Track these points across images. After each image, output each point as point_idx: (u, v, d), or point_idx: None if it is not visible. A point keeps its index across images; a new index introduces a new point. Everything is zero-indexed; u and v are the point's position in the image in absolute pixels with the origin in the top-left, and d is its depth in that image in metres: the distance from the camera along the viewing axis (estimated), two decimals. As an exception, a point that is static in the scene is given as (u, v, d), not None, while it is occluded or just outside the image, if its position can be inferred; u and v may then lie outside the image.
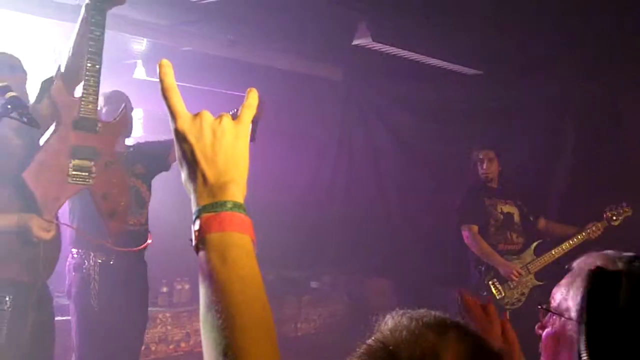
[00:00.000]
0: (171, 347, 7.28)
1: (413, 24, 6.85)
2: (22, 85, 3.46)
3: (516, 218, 6.25)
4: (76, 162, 3.36)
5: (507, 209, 6.26)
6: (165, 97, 1.20)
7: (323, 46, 8.22)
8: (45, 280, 3.55)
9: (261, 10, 7.29)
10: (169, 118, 1.20)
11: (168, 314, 7.30)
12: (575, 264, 1.57)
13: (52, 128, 3.33)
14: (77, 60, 3.47)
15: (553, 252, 5.95)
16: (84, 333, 4.47)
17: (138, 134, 7.72)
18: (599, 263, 1.43)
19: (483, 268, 6.02)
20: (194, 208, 1.17)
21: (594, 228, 6.00)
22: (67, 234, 4.50)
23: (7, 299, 3.23)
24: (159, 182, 5.05)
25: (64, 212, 4.27)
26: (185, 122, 1.18)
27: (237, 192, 1.16)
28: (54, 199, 3.36)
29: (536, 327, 1.65)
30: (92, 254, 4.36)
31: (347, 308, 8.94)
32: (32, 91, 3.62)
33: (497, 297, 5.87)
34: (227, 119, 1.20)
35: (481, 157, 6.32)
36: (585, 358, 1.30)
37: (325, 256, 8.82)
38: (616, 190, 6.41)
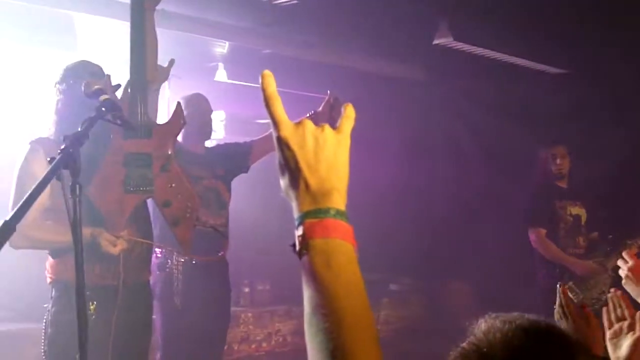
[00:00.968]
0: (253, 346, 7.36)
1: (495, 23, 6.73)
2: None
3: (583, 220, 6.08)
4: (132, 170, 3.28)
5: (575, 210, 6.09)
6: (268, 105, 1.22)
7: (404, 47, 8.16)
8: (140, 279, 3.54)
9: (341, 11, 7.29)
10: (272, 126, 1.22)
11: (250, 314, 7.38)
12: None
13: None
14: (152, 60, 3.50)
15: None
16: (168, 331, 4.56)
17: (220, 136, 7.84)
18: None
19: (557, 270, 5.86)
20: (296, 214, 1.20)
21: None
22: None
23: (92, 305, 3.25)
24: (241, 183, 5.09)
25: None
26: (288, 130, 1.20)
27: (339, 199, 1.19)
28: (119, 213, 3.31)
29: None
30: (175, 254, 4.43)
31: (427, 311, 8.85)
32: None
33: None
34: (328, 128, 1.23)
35: (554, 152, 6.16)
36: None
37: (404, 258, 8.75)
38: None
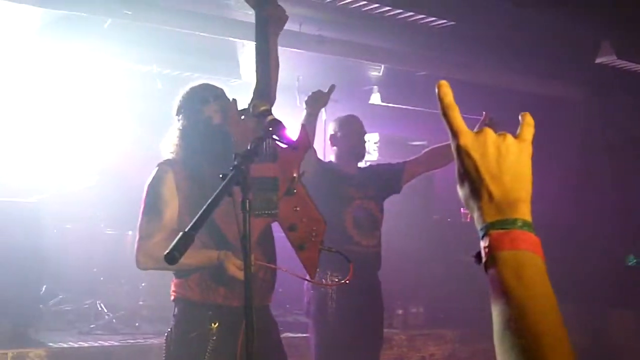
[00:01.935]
0: (406, 369, 7.33)
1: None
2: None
3: None
4: (258, 194, 3.20)
5: None
6: (446, 115, 1.20)
7: (563, 66, 7.94)
8: (264, 302, 3.51)
9: (498, 31, 7.19)
10: (450, 135, 1.20)
11: (403, 336, 7.36)
12: None
13: None
14: (274, 77, 3.52)
15: None
16: (322, 350, 4.63)
17: (373, 158, 7.91)
18: None
19: None
20: (479, 225, 1.17)
21: None
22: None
23: (213, 325, 3.27)
24: (394, 204, 5.11)
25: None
26: (469, 139, 1.18)
27: (525, 210, 1.15)
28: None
29: None
30: (328, 273, 4.50)
31: (587, 341, 8.48)
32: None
33: None
34: (510, 137, 1.20)
35: None
36: None
37: (566, 283, 8.44)
38: None
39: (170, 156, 3.52)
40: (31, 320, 6.53)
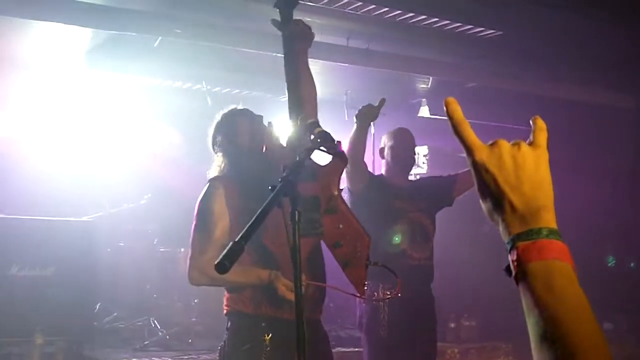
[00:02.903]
0: (460, 383, 7.26)
1: None
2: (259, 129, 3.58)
3: None
4: (301, 214, 3.23)
5: None
6: (458, 132, 1.21)
7: (613, 74, 7.82)
8: (314, 317, 3.50)
9: (546, 40, 7.12)
10: (465, 152, 1.20)
11: (456, 350, 7.29)
12: None
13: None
14: (308, 92, 3.55)
15: None
16: (375, 363, 4.61)
17: (423, 171, 7.87)
18: None
19: None
20: (505, 238, 1.17)
21: None
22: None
23: (267, 337, 3.31)
24: (447, 217, 5.07)
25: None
26: (484, 153, 1.18)
27: (549, 218, 1.14)
28: (289, 258, 3.32)
29: None
30: (381, 285, 4.49)
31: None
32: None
33: None
34: (525, 145, 1.19)
35: None
36: None
37: (619, 295, 8.27)
38: None
39: (216, 172, 3.58)
40: (86, 338, 6.63)
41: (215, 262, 1.98)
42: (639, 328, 8.45)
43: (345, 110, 7.67)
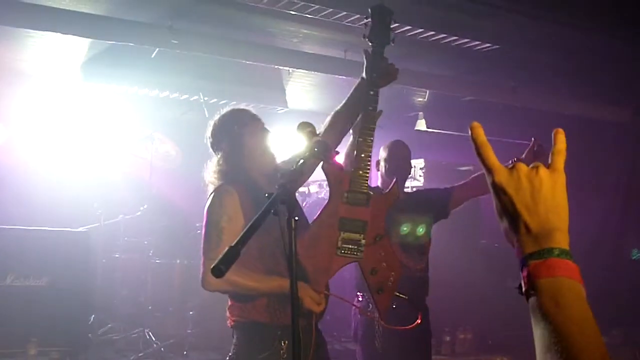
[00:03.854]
0: (455, 396, 7.26)
1: None
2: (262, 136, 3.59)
3: None
4: (345, 235, 3.37)
5: None
6: (480, 154, 1.26)
7: (609, 88, 7.86)
8: (318, 322, 3.55)
9: (544, 54, 7.14)
10: (486, 173, 1.26)
11: (451, 363, 7.29)
12: None
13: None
14: (339, 126, 3.61)
15: None
16: (370, 375, 4.60)
17: (419, 183, 7.88)
18: None
19: None
20: (519, 257, 1.22)
21: None
22: (352, 277, 4.70)
23: (284, 344, 3.32)
24: (443, 229, 5.07)
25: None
26: (503, 176, 1.24)
27: (562, 239, 1.19)
28: (324, 271, 3.38)
29: None
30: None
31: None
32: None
33: None
34: (543, 169, 1.24)
35: None
36: None
37: (614, 307, 8.27)
38: None
39: (216, 183, 3.54)
40: (80, 349, 6.61)
41: (212, 267, 2.00)
42: (634, 342, 8.46)
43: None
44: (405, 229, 4.59)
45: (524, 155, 4.18)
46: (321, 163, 3.19)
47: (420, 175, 7.96)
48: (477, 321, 7.88)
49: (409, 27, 6.52)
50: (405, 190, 4.95)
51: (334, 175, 3.43)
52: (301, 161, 2.60)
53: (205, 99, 7.95)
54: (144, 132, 7.99)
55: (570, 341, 1.08)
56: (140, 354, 6.91)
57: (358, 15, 6.21)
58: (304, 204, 8.14)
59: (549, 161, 1.27)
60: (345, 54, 7.33)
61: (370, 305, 4.50)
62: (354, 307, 4.64)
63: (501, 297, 7.71)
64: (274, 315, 3.39)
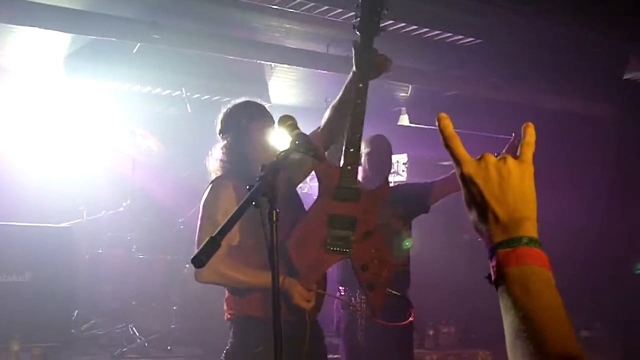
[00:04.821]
0: (437, 389, 7.29)
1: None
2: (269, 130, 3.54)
3: None
4: (334, 231, 3.34)
5: None
6: (448, 146, 1.26)
7: (592, 83, 7.89)
8: (316, 317, 3.57)
9: (526, 49, 7.17)
10: (454, 165, 1.26)
11: (435, 357, 7.31)
12: None
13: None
14: (335, 121, 3.55)
15: None
16: (353, 368, 4.62)
17: (402, 178, 7.90)
18: None
19: None
20: (488, 246, 1.22)
21: None
22: (333, 272, 4.71)
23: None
24: (426, 224, 5.09)
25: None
26: (471, 166, 1.24)
27: (531, 228, 1.20)
28: (313, 268, 3.37)
29: None
30: (358, 291, 4.50)
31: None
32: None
33: None
34: (510, 159, 1.25)
35: None
36: None
37: (598, 303, 8.33)
38: None
39: (217, 173, 3.54)
40: (63, 345, 6.59)
41: (192, 257, 2.01)
42: (617, 336, 8.52)
43: (326, 118, 7.68)
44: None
45: (504, 150, 4.20)
46: (312, 160, 3.12)
47: (403, 170, 7.98)
48: (460, 315, 7.92)
49: (391, 22, 6.53)
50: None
51: (322, 171, 3.42)
52: (282, 154, 2.60)
53: (188, 94, 7.93)
54: (126, 127, 7.96)
55: (540, 327, 1.09)
56: (124, 349, 6.89)
57: (340, 10, 6.21)
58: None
59: (517, 152, 1.28)
60: (327, 48, 7.33)
61: (353, 299, 4.52)
62: (336, 302, 4.65)
63: (484, 291, 7.69)
64: (269, 309, 3.38)
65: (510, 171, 1.23)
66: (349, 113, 3.40)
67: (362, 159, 4.84)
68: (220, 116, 3.65)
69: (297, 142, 2.67)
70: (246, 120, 3.55)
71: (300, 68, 7.73)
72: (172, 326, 7.30)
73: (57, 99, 8.30)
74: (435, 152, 8.32)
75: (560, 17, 6.39)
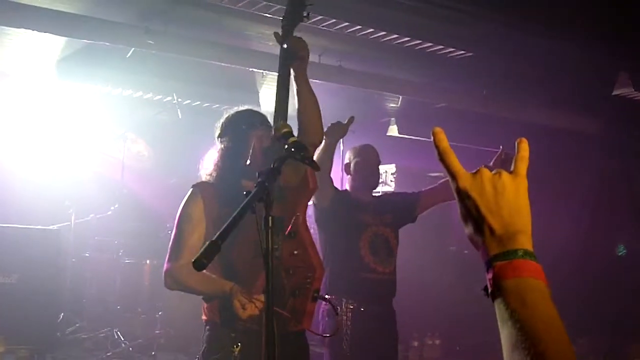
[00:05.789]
0: (421, 401, 7.30)
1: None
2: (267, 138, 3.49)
3: None
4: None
5: None
6: (443, 160, 1.28)
7: (581, 98, 7.96)
8: (292, 329, 3.35)
9: (516, 63, 7.22)
10: (450, 179, 1.28)
11: (419, 368, 7.33)
12: None
13: None
14: (298, 117, 3.52)
15: None
16: (337, 378, 4.62)
17: (390, 188, 7.93)
18: None
19: None
20: (484, 259, 1.24)
21: None
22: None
23: (236, 347, 3.19)
24: (413, 234, 5.11)
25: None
26: (467, 181, 1.26)
27: (525, 241, 1.23)
28: (250, 276, 3.22)
29: None
30: (344, 300, 4.52)
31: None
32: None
33: None
34: (505, 174, 1.27)
35: None
36: None
37: (580, 316, 8.36)
38: None
39: (205, 178, 3.52)
40: (48, 348, 6.57)
41: (193, 260, 2.03)
42: (600, 350, 8.56)
43: (316, 127, 7.68)
44: None
45: (491, 163, 4.24)
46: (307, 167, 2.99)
47: (391, 181, 8.01)
48: (445, 327, 7.94)
49: (384, 33, 6.58)
50: (373, 193, 4.98)
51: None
52: (277, 161, 2.62)
53: (179, 100, 7.94)
54: (116, 131, 7.97)
55: (537, 339, 1.11)
56: (108, 354, 6.89)
57: (334, 20, 6.25)
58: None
59: (512, 167, 1.30)
60: (319, 58, 7.36)
61: (339, 308, 4.53)
62: (321, 310, 4.64)
63: (470, 303, 7.77)
64: (227, 317, 3.29)
65: (505, 185, 1.25)
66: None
67: (351, 168, 4.87)
68: (221, 120, 3.64)
69: (292, 150, 2.68)
70: (246, 126, 3.53)
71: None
72: (157, 332, 7.29)
73: (49, 101, 8.30)
74: (423, 163, 8.37)
75: (550, 33, 6.44)
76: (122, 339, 7.12)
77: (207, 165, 3.55)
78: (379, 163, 4.93)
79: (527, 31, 6.46)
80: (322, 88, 7.90)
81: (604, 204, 9.03)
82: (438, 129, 1.30)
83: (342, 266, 4.52)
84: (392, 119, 9.03)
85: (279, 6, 5.90)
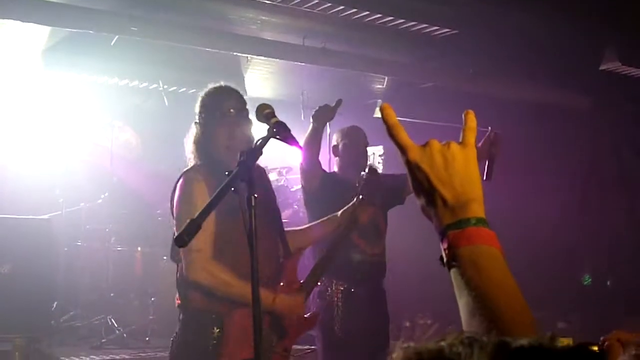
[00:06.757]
0: (413, 381, 7.33)
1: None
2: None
3: None
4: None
5: None
6: (392, 134, 1.28)
7: (569, 74, 7.96)
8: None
9: (502, 40, 7.22)
10: (399, 153, 1.29)
11: (411, 347, 7.36)
12: None
13: None
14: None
15: None
16: (330, 359, 4.66)
17: (379, 171, 7.95)
18: None
19: None
20: (438, 230, 1.26)
21: None
22: (310, 264, 4.73)
23: (216, 330, 3.23)
24: (402, 214, 5.14)
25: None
26: (416, 153, 1.26)
27: (478, 209, 1.24)
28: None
29: None
30: (334, 282, 4.55)
31: (600, 351, 8.42)
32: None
33: None
34: (454, 144, 1.27)
35: None
36: None
37: (572, 293, 8.44)
38: None
39: (192, 162, 3.43)
40: (43, 336, 6.61)
41: (175, 237, 2.04)
42: (592, 327, 8.62)
43: (302, 111, 7.69)
44: None
45: (480, 144, 4.24)
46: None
47: (379, 163, 8.03)
48: (436, 307, 7.98)
49: (367, 13, 6.57)
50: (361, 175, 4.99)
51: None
52: (260, 141, 2.62)
53: (165, 87, 7.94)
54: (104, 120, 7.96)
55: (494, 303, 1.13)
56: (102, 340, 6.92)
57: (316, 1, 6.23)
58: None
59: (460, 137, 1.30)
60: (303, 40, 7.35)
61: (329, 289, 4.56)
62: (312, 292, 4.65)
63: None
64: (210, 302, 3.28)
65: (454, 155, 1.26)
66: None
67: (339, 150, 4.89)
68: (199, 100, 3.51)
69: (274, 130, 2.67)
70: (220, 112, 3.41)
71: (277, 60, 7.75)
72: (150, 317, 7.31)
73: (34, 91, 8.28)
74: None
75: (535, 9, 6.44)
76: (116, 326, 7.15)
77: (190, 147, 3.46)
78: (366, 144, 4.94)
79: (512, 8, 6.47)
80: (306, 71, 7.94)
81: (593, 181, 9.07)
82: (386, 105, 1.32)
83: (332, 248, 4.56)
84: (379, 100, 9.03)
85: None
